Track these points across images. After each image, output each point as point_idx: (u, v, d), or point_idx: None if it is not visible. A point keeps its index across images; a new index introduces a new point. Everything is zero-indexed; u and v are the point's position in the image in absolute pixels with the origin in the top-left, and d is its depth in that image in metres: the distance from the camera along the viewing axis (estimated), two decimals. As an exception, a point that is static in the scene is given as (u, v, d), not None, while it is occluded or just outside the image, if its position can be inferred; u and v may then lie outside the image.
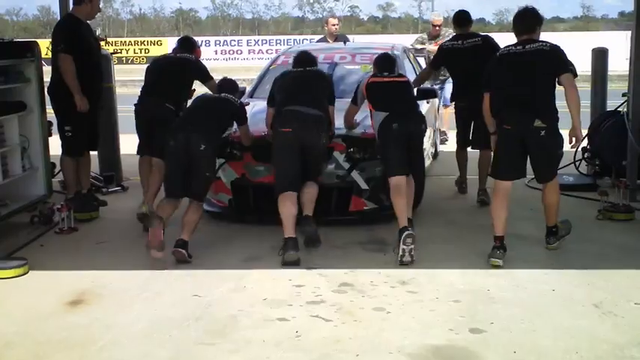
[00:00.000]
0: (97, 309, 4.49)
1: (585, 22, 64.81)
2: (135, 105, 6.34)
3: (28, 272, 5.07)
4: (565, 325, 4.13)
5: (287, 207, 5.37)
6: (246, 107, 6.32)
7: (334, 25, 10.15)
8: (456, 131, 7.55)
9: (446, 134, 10.30)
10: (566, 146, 5.35)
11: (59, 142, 6.69)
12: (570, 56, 5.30)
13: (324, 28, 10.60)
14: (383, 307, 4.42)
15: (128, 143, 7.73)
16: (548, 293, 4.62)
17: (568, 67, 5.20)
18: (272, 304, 4.49)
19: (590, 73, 8.13)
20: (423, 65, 9.27)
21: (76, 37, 6.47)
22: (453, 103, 7.66)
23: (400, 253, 5.13)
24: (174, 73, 6.33)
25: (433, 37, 10.42)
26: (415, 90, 6.61)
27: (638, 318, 4.26)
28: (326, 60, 7.47)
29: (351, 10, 78.31)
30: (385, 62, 6.02)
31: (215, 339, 4.01)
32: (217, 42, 33.20)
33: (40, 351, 3.90)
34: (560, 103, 5.22)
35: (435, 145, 8.92)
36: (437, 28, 10.49)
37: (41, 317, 4.35)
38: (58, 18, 7.53)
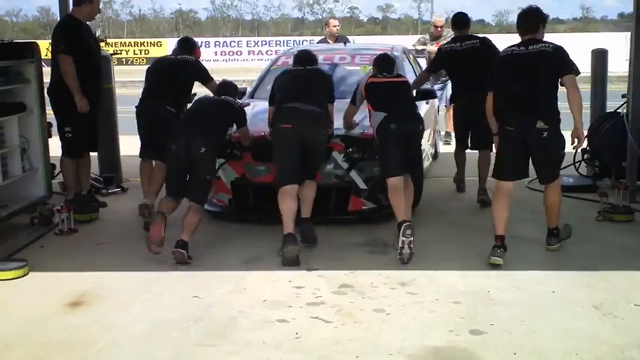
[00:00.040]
0: (97, 310, 4.49)
1: (585, 24, 64.70)
2: (136, 107, 6.35)
3: (28, 273, 5.07)
4: (565, 326, 4.13)
5: (287, 203, 5.38)
6: (247, 108, 6.35)
7: (335, 26, 10.22)
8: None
9: (450, 135, 10.28)
10: (568, 147, 5.35)
11: (59, 143, 6.69)
12: (570, 57, 5.30)
13: (325, 29, 10.63)
14: (383, 308, 4.41)
15: (128, 144, 7.74)
16: (548, 294, 4.62)
17: (571, 69, 5.20)
18: (272, 305, 4.49)
19: (589, 75, 8.12)
20: (424, 66, 9.28)
21: (76, 38, 6.46)
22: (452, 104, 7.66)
23: (400, 244, 5.13)
24: (174, 74, 6.34)
25: (435, 38, 10.48)
26: (414, 91, 6.62)
27: (638, 319, 4.26)
28: (326, 61, 7.48)
29: (350, 11, 78.24)
30: (384, 62, 6.02)
31: (215, 340, 4.01)
32: (217, 43, 33.15)
33: (40, 352, 3.90)
34: (562, 104, 5.22)
35: (434, 145, 8.91)
36: (439, 29, 10.54)
37: (41, 318, 4.35)
38: (58, 19, 7.52)
